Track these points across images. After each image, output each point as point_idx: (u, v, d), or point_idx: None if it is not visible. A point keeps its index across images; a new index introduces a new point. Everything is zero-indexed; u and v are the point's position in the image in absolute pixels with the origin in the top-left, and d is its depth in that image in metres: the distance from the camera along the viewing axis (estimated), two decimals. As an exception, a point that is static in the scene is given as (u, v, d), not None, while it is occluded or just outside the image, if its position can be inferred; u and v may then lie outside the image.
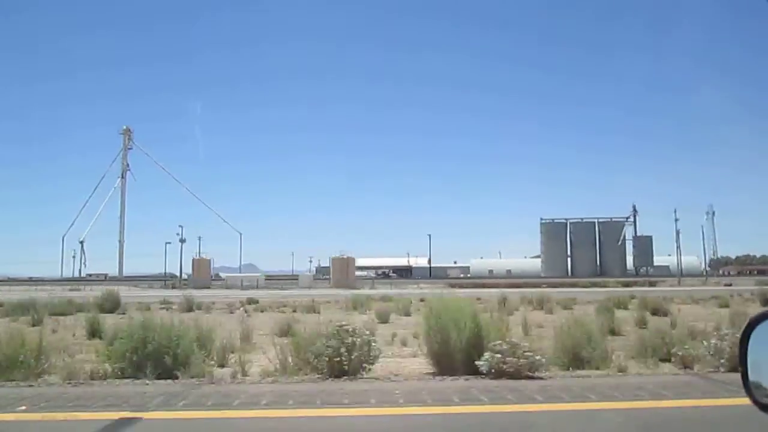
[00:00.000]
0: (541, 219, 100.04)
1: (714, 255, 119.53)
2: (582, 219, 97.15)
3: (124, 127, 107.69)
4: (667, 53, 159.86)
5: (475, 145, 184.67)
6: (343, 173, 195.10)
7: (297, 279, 73.69)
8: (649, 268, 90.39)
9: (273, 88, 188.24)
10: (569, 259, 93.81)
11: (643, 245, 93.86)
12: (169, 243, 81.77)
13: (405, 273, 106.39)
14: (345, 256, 71.33)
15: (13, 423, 5.45)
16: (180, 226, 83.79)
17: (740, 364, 1.95)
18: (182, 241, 78.91)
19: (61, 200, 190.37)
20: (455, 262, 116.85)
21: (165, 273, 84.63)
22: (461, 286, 57.68)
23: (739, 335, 1.99)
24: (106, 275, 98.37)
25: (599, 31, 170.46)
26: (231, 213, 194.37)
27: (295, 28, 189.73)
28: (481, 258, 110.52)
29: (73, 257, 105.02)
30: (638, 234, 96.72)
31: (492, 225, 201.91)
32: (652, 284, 63.84)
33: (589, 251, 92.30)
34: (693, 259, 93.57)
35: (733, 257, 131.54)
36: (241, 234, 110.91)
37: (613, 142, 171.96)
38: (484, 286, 51.85)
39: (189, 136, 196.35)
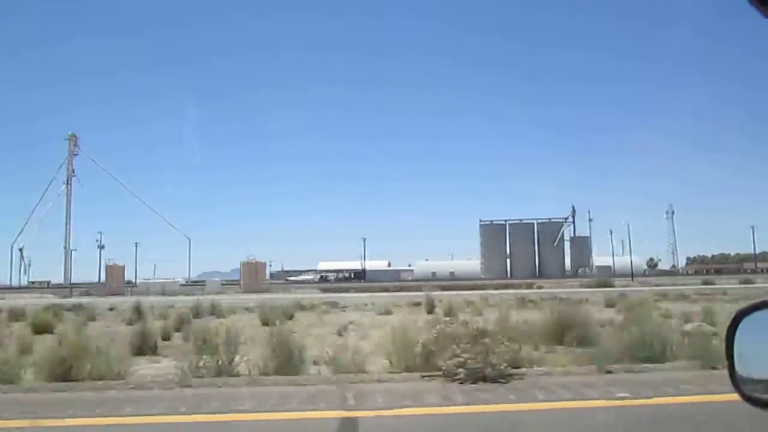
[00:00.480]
0: (481, 220, 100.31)
1: (674, 255, 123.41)
2: (521, 220, 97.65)
3: (70, 134, 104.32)
4: (607, 47, 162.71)
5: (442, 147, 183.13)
6: (305, 178, 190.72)
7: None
8: (586, 268, 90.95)
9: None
10: (508, 260, 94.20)
11: (581, 246, 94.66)
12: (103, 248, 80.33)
13: (360, 276, 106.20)
14: (254, 261, 70.46)
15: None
16: (99, 232, 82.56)
17: (726, 357, 1.93)
18: (101, 247, 77.07)
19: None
20: (409, 265, 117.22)
21: (99, 280, 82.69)
22: (388, 290, 56.70)
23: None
24: (48, 282, 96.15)
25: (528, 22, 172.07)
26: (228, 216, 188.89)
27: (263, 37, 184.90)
28: (426, 260, 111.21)
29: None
30: (577, 235, 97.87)
31: (447, 227, 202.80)
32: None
33: (528, 252, 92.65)
34: (636, 259, 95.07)
35: (710, 256, 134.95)
36: (190, 240, 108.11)
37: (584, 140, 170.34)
38: (414, 289, 50.90)
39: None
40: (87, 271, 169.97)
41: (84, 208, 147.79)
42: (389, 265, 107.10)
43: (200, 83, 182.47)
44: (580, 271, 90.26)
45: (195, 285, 77.30)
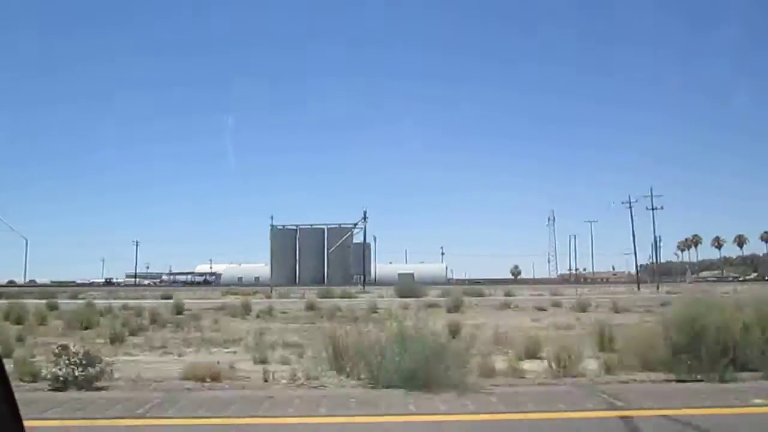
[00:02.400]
0: (271, 225, 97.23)
1: (551, 262, 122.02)
2: (312, 225, 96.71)
3: None
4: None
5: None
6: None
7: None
8: (360, 276, 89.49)
9: None
10: (297, 265, 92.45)
11: (360, 252, 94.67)
12: None
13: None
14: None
15: None
16: None
17: None
18: None
19: None
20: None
21: None
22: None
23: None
24: None
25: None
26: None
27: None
28: (234, 264, 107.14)
29: None
30: (367, 241, 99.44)
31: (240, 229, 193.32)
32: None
33: (316, 258, 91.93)
34: (441, 266, 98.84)
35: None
36: (27, 240, 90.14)
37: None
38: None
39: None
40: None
41: None
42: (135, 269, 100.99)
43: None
44: (356, 277, 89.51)
45: None
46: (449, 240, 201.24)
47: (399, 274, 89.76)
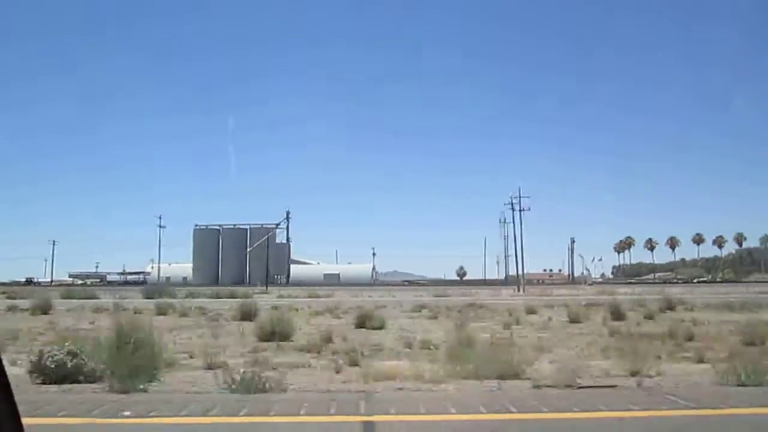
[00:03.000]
0: (195, 225, 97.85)
1: (500, 264, 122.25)
2: (235, 225, 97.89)
3: None
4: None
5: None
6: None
7: None
8: (281, 277, 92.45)
9: None
10: (219, 265, 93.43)
11: (280, 252, 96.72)
12: None
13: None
14: None
15: None
16: None
17: None
18: None
19: None
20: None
21: None
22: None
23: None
24: None
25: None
26: None
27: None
28: (164, 264, 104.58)
29: None
30: (289, 240, 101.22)
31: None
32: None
33: (237, 258, 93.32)
34: (367, 267, 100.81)
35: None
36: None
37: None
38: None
39: None
40: None
41: None
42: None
43: None
44: (277, 278, 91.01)
45: None
46: (399, 241, 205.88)
47: (325, 275, 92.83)
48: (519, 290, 53.59)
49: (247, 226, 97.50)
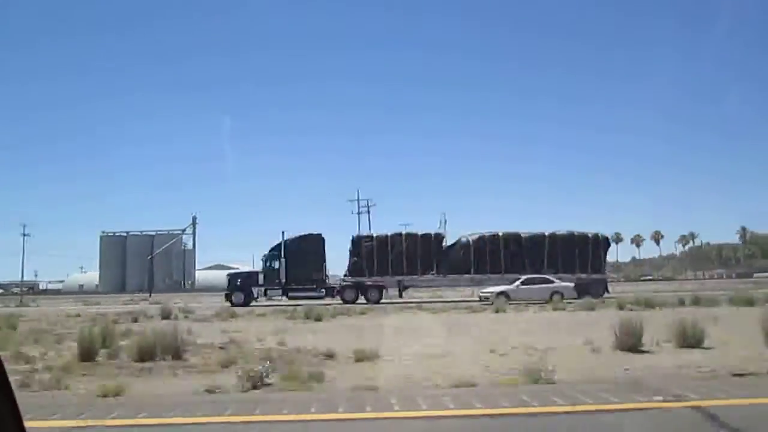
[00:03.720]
0: (102, 232, 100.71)
1: None
2: (142, 232, 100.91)
3: None
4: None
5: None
6: None
7: None
8: (186, 282, 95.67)
9: None
10: (125, 272, 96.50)
11: (185, 257, 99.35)
12: None
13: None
14: None
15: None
16: None
17: None
18: None
19: None
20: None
21: None
22: None
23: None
24: None
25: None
26: None
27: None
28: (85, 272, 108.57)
29: None
30: (196, 246, 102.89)
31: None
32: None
33: (143, 264, 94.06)
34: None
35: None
36: None
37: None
38: None
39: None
40: None
41: None
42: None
43: None
44: (186, 283, 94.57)
45: None
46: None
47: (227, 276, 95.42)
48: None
49: (154, 232, 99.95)
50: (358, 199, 78.21)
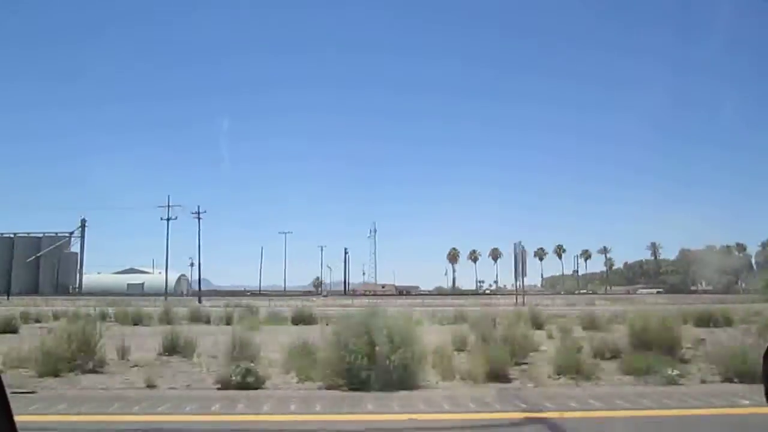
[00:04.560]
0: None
1: (374, 274, 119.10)
2: (28, 233, 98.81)
3: None
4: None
5: None
6: None
7: None
8: (74, 286, 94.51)
9: None
10: (11, 275, 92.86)
11: (70, 262, 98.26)
12: None
13: None
14: None
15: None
16: None
17: (763, 379, 2.12)
18: None
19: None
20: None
21: None
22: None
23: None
24: None
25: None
26: None
27: None
28: None
29: None
30: (84, 249, 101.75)
31: None
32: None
33: (30, 267, 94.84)
34: (172, 277, 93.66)
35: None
36: None
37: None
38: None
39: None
40: None
41: None
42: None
43: None
44: (73, 287, 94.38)
45: None
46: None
47: (128, 284, 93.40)
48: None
49: (41, 234, 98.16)
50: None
